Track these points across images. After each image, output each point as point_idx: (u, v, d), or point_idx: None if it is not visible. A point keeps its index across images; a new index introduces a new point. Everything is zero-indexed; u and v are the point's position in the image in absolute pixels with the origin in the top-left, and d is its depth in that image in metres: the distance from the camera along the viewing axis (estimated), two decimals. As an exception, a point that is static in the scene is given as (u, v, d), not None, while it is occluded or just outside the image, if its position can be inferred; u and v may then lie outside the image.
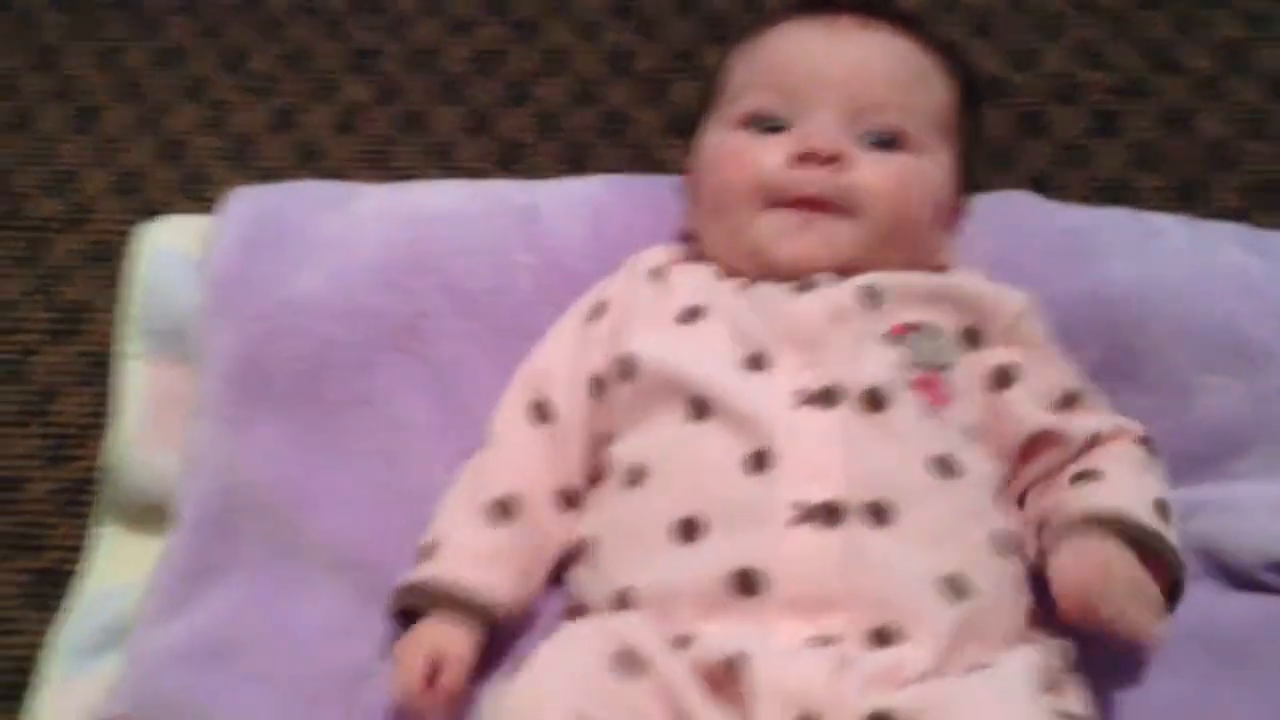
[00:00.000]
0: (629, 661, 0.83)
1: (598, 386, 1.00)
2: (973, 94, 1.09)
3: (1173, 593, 0.90)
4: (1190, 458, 1.04)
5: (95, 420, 1.14)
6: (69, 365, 1.20)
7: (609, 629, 0.86)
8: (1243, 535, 1.01)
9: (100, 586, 1.05)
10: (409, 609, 0.95)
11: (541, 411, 1.00)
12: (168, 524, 1.03)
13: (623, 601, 0.90)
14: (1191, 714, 0.93)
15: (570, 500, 0.99)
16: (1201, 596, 0.97)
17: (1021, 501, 0.97)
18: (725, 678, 0.82)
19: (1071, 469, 0.95)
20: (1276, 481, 1.04)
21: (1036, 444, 0.97)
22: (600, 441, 0.99)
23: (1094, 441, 0.96)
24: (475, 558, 0.95)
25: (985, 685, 0.81)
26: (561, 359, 1.03)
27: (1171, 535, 0.90)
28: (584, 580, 0.95)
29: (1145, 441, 0.97)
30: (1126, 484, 0.93)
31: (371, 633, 0.98)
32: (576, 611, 0.95)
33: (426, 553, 0.96)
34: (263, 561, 1.01)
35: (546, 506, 0.98)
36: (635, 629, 0.85)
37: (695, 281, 1.02)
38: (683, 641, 0.85)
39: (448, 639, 0.92)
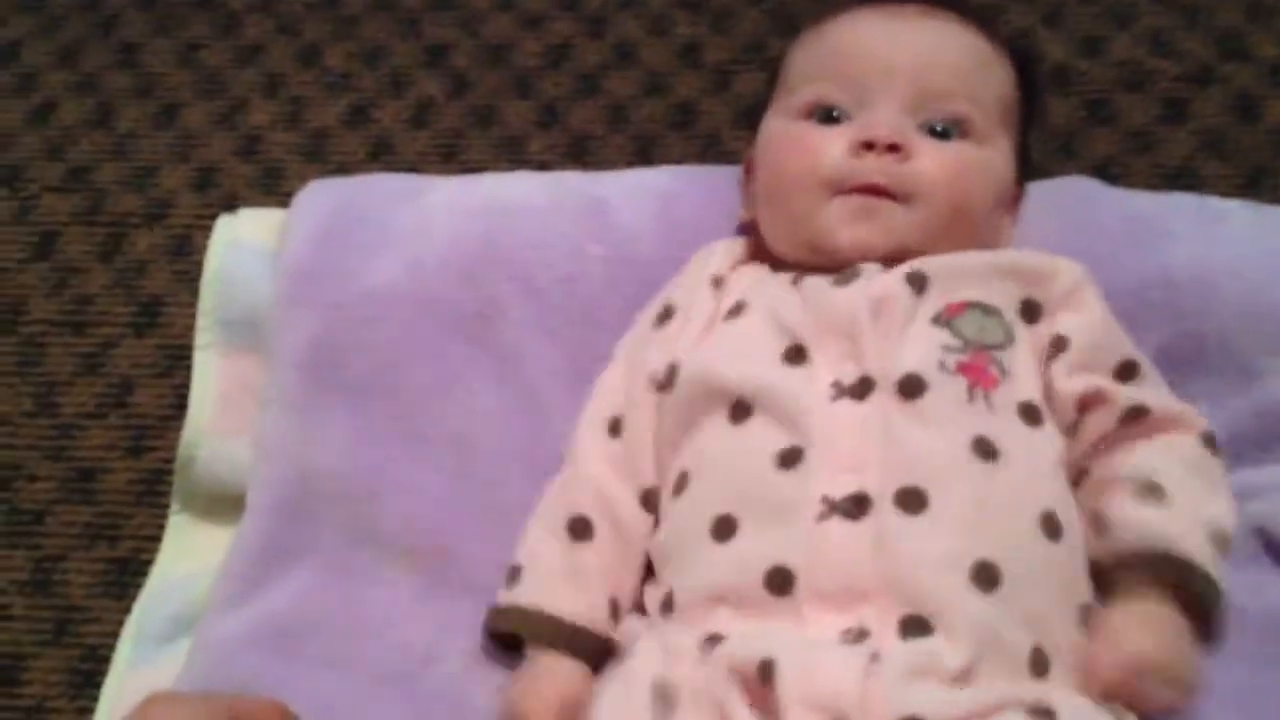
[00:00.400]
0: (666, 697, 0.83)
1: (658, 388, 1.00)
2: (1033, 81, 1.08)
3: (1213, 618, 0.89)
4: (1255, 440, 1.02)
5: (174, 412, 1.16)
6: (148, 358, 1.21)
7: (645, 670, 0.86)
8: None
9: (171, 575, 1.06)
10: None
11: (616, 425, 1.00)
12: (238, 513, 1.04)
13: (667, 604, 0.90)
14: (1244, 700, 0.91)
15: (649, 502, 0.98)
16: (1256, 579, 0.96)
17: (1078, 481, 0.95)
18: (758, 684, 0.82)
19: (1128, 459, 0.93)
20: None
21: (1084, 407, 0.95)
22: (665, 444, 0.98)
23: (1143, 414, 0.94)
24: (561, 580, 0.95)
25: None
26: (626, 369, 1.03)
27: (1222, 571, 0.89)
28: (646, 588, 0.96)
29: (1207, 439, 0.95)
30: (1190, 512, 0.90)
31: (440, 618, 1.00)
32: (639, 609, 0.96)
33: (512, 576, 0.97)
34: (334, 547, 1.02)
35: (631, 514, 0.97)
36: (671, 664, 0.85)
37: (747, 281, 1.02)
38: (714, 640, 0.84)
39: (568, 684, 0.92)
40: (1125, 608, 0.87)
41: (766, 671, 0.81)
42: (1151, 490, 0.90)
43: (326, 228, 1.13)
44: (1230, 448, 0.99)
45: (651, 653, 0.87)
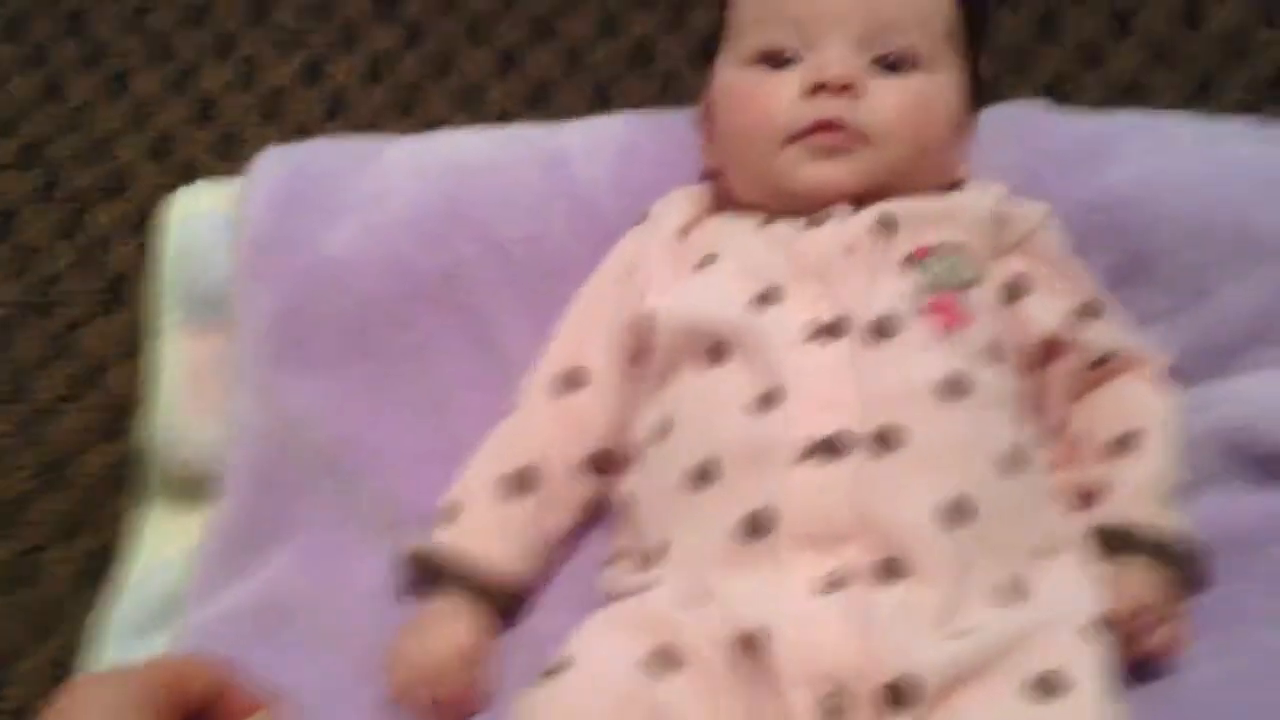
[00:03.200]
0: (665, 659, 0.83)
1: (634, 346, 1.00)
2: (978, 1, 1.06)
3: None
4: (1210, 355, 1.04)
5: (147, 392, 1.14)
6: (117, 336, 1.21)
7: (643, 622, 0.86)
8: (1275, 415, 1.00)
9: (147, 564, 1.05)
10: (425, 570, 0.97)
11: (572, 379, 1.00)
12: (211, 496, 1.03)
13: (648, 557, 0.90)
14: (1216, 608, 0.93)
15: (601, 464, 0.99)
16: (1221, 495, 0.98)
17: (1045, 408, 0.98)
18: (750, 653, 0.82)
19: (1099, 403, 0.98)
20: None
21: (1051, 351, 0.97)
22: (637, 402, 0.99)
23: (1110, 360, 0.97)
24: (487, 530, 0.96)
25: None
26: (596, 321, 1.02)
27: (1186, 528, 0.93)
28: (623, 535, 0.96)
29: (1164, 374, 0.98)
30: (1160, 476, 0.94)
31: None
32: (615, 560, 0.96)
33: (443, 517, 0.98)
34: (310, 526, 1.02)
35: (567, 477, 0.99)
36: (669, 619, 0.85)
37: (714, 232, 1.01)
38: (703, 599, 0.85)
39: (454, 634, 0.93)
40: (1117, 575, 0.90)
41: (756, 643, 0.82)
42: (1124, 443, 0.95)
43: (284, 196, 1.11)
44: (1186, 364, 1.01)
45: (661, 602, 0.87)
